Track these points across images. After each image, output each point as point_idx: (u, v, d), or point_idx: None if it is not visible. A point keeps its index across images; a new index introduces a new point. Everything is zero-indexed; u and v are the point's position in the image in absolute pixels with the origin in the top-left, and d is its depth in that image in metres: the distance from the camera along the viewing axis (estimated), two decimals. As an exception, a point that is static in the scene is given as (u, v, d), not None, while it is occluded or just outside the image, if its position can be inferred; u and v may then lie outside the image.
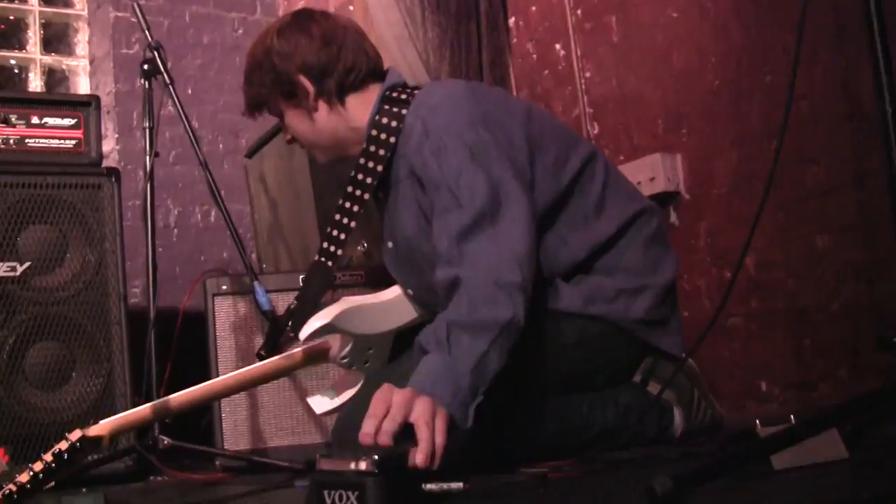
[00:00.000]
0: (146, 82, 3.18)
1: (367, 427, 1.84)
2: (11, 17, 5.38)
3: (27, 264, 3.12)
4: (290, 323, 2.56)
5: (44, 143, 3.30)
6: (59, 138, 3.33)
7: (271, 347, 2.97)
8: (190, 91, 5.48)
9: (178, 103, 3.13)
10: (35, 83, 5.36)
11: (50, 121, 3.32)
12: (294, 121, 2.58)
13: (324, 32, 2.51)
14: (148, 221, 3.06)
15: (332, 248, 2.53)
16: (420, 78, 4.23)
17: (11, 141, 3.25)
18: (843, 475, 1.72)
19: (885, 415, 1.87)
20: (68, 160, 3.31)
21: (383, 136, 2.44)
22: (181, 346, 3.32)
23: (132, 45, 5.34)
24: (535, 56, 4.29)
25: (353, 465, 1.68)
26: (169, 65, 3.21)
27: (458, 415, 1.95)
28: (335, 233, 2.52)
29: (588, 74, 3.98)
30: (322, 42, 2.50)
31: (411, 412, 1.86)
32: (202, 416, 3.32)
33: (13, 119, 3.27)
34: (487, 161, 2.24)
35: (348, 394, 2.62)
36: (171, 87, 3.13)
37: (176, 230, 5.33)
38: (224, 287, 3.22)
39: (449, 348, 2.02)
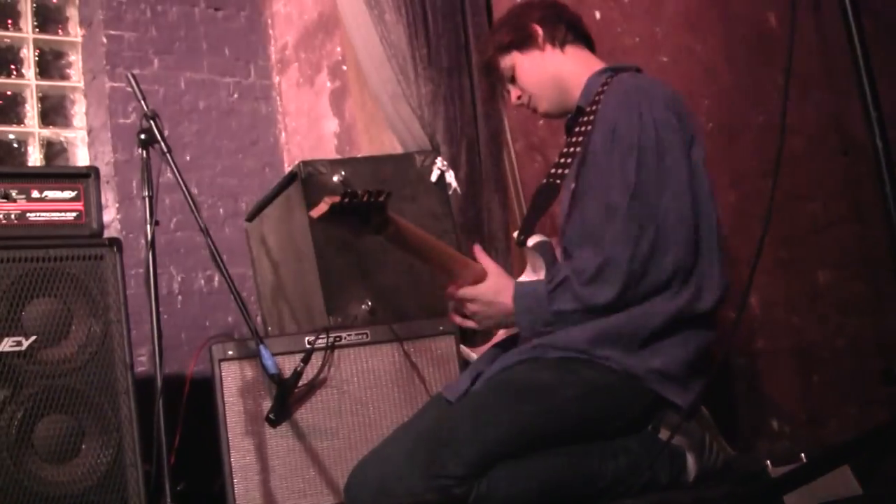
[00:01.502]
0: (144, 151, 3.20)
1: (461, 296, 2.68)
2: (9, 92, 5.42)
3: (33, 338, 3.13)
4: (516, 232, 2.78)
5: (45, 216, 3.32)
6: (60, 211, 3.35)
7: (279, 410, 2.97)
8: (188, 157, 5.51)
9: (176, 171, 3.15)
10: (34, 156, 5.39)
11: (50, 194, 3.34)
12: (524, 69, 2.91)
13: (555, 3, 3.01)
14: (151, 289, 3.07)
15: (559, 171, 2.71)
16: (416, 134, 4.25)
17: (12, 216, 3.27)
18: (856, 512, 1.72)
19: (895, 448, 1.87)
20: (70, 232, 3.33)
21: (598, 97, 2.73)
22: (189, 412, 3.32)
23: (129, 115, 5.38)
24: (528, 106, 4.32)
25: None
26: (166, 132, 3.23)
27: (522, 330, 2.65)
28: (562, 160, 2.72)
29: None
30: (552, 5, 2.98)
31: (483, 317, 2.68)
32: (214, 482, 3.31)
33: (13, 194, 3.29)
34: (667, 140, 2.56)
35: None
36: (168, 154, 3.15)
37: (180, 296, 5.34)
38: (230, 352, 3.23)
39: (553, 296, 2.56)
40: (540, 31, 2.88)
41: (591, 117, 2.67)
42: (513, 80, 2.94)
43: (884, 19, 2.68)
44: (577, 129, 2.71)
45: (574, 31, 2.92)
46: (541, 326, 2.59)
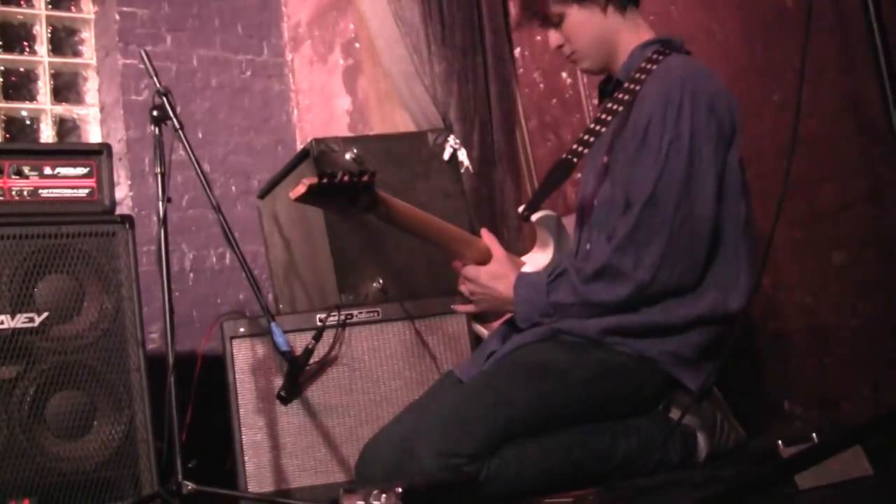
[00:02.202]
0: (156, 128, 3.19)
1: (463, 273, 2.68)
2: (21, 69, 5.42)
3: (45, 314, 3.13)
4: (522, 207, 2.73)
5: (57, 192, 3.32)
6: (73, 188, 3.34)
7: (291, 387, 2.97)
8: (200, 134, 5.51)
9: (188, 148, 3.14)
10: (47, 133, 5.39)
11: (62, 170, 3.34)
12: (578, 24, 2.71)
13: None
14: (163, 266, 3.07)
15: (579, 149, 2.64)
16: (429, 112, 4.24)
17: (25, 192, 3.27)
18: (868, 493, 1.71)
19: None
20: (82, 209, 3.33)
21: (639, 75, 2.62)
22: (201, 389, 3.33)
23: (141, 92, 5.37)
24: (542, 86, 4.30)
25: (377, 500, 1.68)
26: (178, 109, 3.22)
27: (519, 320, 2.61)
28: (586, 137, 2.64)
29: (596, 101, 3.99)
30: None
31: (480, 300, 2.68)
32: (225, 460, 3.32)
33: (26, 170, 3.29)
34: (699, 147, 2.48)
35: None
36: (180, 132, 3.15)
37: (192, 274, 5.34)
38: (241, 329, 3.23)
39: (552, 287, 2.55)
40: None
41: (628, 97, 2.60)
42: (558, 25, 2.75)
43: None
44: (609, 106, 2.63)
45: None
46: (538, 317, 2.58)
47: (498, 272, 2.64)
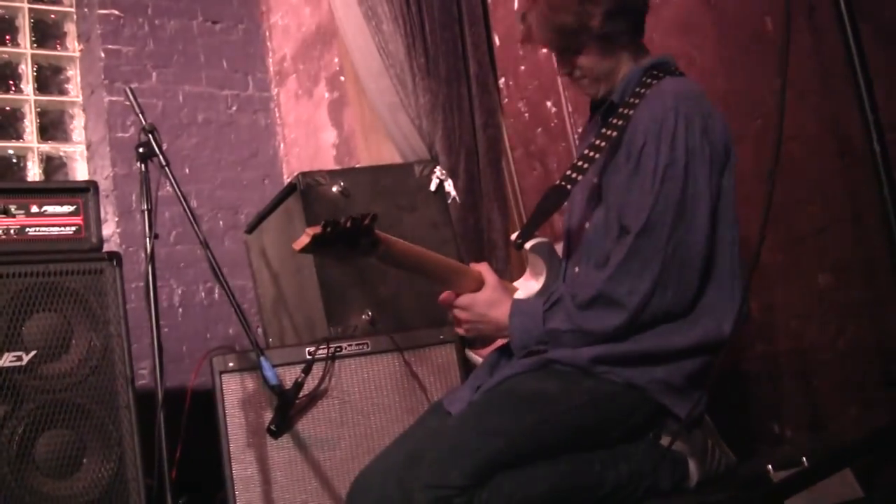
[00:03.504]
0: (143, 165, 3.20)
1: (457, 303, 2.63)
2: (8, 108, 5.43)
3: (33, 353, 3.13)
4: (515, 234, 2.72)
5: (44, 231, 3.33)
6: (60, 225, 3.35)
7: (281, 421, 2.97)
8: (187, 170, 5.52)
9: (174, 185, 3.15)
10: (33, 171, 5.39)
11: (49, 208, 3.34)
12: (590, 60, 2.67)
13: None
14: (151, 303, 3.07)
15: (574, 175, 2.62)
16: (415, 144, 4.25)
17: (12, 231, 3.28)
18: (858, 515, 1.72)
19: (896, 451, 1.86)
20: (69, 247, 3.33)
21: (632, 100, 2.60)
22: (191, 424, 3.32)
23: (128, 129, 5.39)
24: (527, 115, 4.32)
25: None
26: (165, 145, 3.24)
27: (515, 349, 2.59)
28: (581, 163, 2.62)
29: (581, 130, 4.01)
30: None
31: (474, 328, 2.63)
32: (216, 494, 3.31)
33: (13, 209, 3.29)
34: (693, 172, 2.46)
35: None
36: (167, 168, 3.16)
37: (180, 309, 5.34)
38: (231, 364, 3.23)
39: (547, 315, 2.54)
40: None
41: (621, 121, 2.58)
42: (574, 55, 2.68)
43: (879, 22, 2.68)
44: (604, 131, 2.61)
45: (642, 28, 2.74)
46: (533, 345, 2.57)
47: (492, 299, 2.63)
